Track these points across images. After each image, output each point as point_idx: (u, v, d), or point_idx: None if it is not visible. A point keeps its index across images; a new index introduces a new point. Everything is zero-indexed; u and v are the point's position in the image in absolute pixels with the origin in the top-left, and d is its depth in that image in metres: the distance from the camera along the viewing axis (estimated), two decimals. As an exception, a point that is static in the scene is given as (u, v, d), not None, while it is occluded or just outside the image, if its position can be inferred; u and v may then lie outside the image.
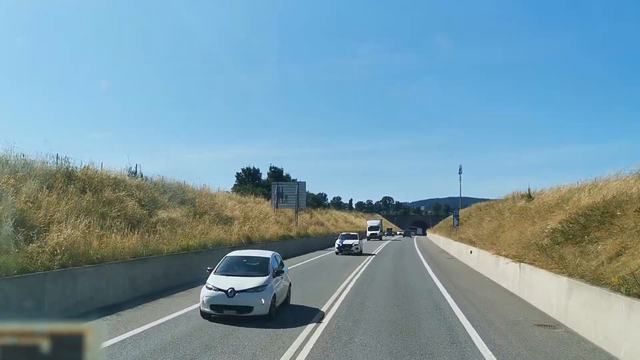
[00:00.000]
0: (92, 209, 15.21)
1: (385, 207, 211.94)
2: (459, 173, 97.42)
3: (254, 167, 76.61)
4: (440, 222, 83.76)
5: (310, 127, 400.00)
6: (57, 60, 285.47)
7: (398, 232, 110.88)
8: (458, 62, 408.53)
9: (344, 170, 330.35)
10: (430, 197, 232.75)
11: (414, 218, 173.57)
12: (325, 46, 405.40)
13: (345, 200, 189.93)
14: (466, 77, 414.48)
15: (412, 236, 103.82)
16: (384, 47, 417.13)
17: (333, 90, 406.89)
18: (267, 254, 13.00)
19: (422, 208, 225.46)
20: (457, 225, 45.69)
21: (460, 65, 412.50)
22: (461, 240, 33.59)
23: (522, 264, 15.94)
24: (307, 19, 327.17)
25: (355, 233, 43.02)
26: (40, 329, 1.86)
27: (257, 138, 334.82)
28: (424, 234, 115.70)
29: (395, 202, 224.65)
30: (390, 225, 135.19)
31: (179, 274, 16.94)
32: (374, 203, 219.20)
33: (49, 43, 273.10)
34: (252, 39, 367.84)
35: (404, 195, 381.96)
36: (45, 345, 1.84)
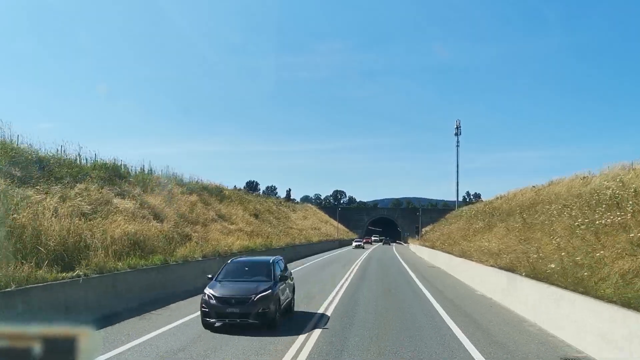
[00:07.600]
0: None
1: (336, 203, 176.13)
2: (456, 135, 62.74)
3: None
4: (460, 217, 45.08)
5: (260, 124, 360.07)
6: (54, 62, 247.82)
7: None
8: (416, 63, 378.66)
9: (294, 168, 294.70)
10: (386, 197, 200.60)
11: (372, 214, 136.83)
12: (283, 42, 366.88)
13: (282, 193, 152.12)
14: (422, 79, 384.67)
15: (391, 244, 72.04)
16: (343, 47, 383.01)
17: (290, 87, 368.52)
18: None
19: (379, 206, 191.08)
20: None
21: (417, 67, 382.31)
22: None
23: None
24: (263, 15, 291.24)
25: None
26: (33, 332, 1.93)
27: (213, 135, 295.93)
28: (401, 241, 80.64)
29: (348, 197, 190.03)
30: (324, 225, 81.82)
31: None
32: (322, 197, 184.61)
33: (42, 47, 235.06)
34: (212, 34, 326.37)
35: (359, 193, 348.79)
36: (37, 348, 1.88)
